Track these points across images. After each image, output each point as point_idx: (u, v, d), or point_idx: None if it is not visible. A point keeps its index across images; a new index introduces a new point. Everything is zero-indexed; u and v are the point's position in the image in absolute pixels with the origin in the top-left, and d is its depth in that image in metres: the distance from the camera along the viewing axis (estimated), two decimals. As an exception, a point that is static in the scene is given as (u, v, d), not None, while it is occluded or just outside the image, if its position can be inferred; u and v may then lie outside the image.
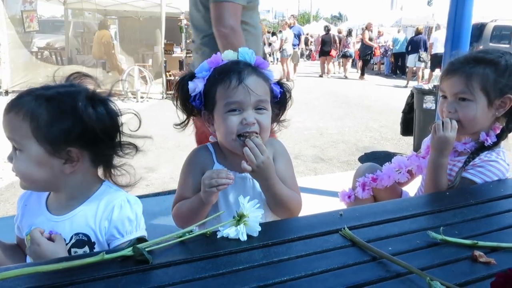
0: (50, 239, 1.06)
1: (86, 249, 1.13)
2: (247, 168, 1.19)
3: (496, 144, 1.53)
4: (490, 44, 12.25)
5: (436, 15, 14.54)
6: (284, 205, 1.29)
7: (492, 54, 1.52)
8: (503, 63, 1.48)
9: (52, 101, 1.06)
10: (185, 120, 1.38)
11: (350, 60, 15.82)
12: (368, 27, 15.09)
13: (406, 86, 11.97)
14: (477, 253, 0.92)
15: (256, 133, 1.23)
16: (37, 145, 1.05)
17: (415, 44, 12.60)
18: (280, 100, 1.38)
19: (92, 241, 1.13)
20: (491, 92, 1.47)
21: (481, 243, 0.97)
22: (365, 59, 14.80)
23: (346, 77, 14.99)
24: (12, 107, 1.06)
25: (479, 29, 12.11)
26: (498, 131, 1.56)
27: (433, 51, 11.76)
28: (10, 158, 1.09)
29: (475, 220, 1.15)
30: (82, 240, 1.12)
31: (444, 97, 1.56)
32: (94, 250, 1.13)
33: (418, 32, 12.93)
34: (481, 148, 1.53)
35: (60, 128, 1.06)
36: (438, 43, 11.82)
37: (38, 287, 0.79)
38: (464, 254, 0.94)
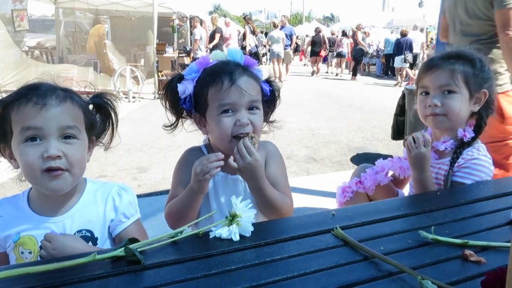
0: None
1: (90, 244, 1.14)
2: (233, 164, 1.19)
3: (474, 139, 1.57)
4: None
5: (427, 16, 14.67)
6: (273, 207, 1.28)
7: (467, 52, 1.60)
8: (478, 60, 1.56)
9: (76, 94, 1.15)
10: (174, 122, 1.38)
11: (343, 60, 16.28)
12: (358, 28, 15.23)
13: (395, 85, 12.78)
14: (467, 252, 0.93)
15: (252, 137, 1.22)
16: (85, 133, 1.14)
17: (401, 45, 13.20)
18: (269, 98, 1.38)
19: (95, 236, 1.15)
20: (472, 85, 1.53)
21: (471, 242, 0.98)
22: (358, 59, 14.92)
23: (337, 74, 15.59)
24: (62, 96, 1.08)
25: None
26: (472, 128, 1.59)
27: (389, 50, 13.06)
28: (59, 151, 1.04)
29: (465, 219, 1.16)
30: (86, 237, 1.14)
31: (426, 93, 1.58)
32: (97, 245, 1.15)
33: (403, 34, 13.53)
34: (461, 145, 1.56)
35: (92, 118, 1.17)
36: (414, 43, 13.03)
37: (29, 288, 0.79)
38: (455, 253, 0.95)
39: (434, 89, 1.55)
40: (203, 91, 1.27)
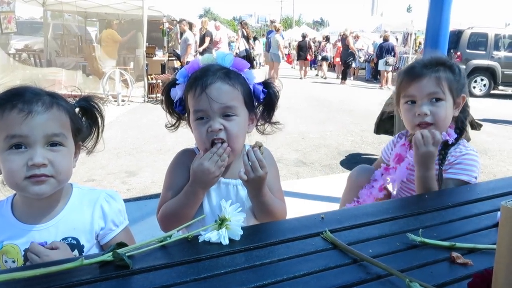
0: (50, 248, 1.03)
1: (76, 253, 1.12)
2: (243, 177, 1.18)
3: (457, 139, 1.59)
4: (467, 50, 12.58)
5: (415, 21, 14.86)
6: (269, 213, 1.28)
7: (445, 58, 1.62)
8: (455, 66, 1.59)
9: (62, 99, 1.12)
10: (175, 123, 1.39)
11: (327, 63, 17.32)
12: (350, 34, 15.52)
13: (380, 88, 13.77)
14: (454, 254, 0.94)
15: (260, 146, 1.21)
16: (72, 139, 1.12)
17: (383, 50, 14.13)
18: (266, 101, 1.36)
19: (81, 244, 1.13)
20: (454, 91, 1.55)
21: (458, 244, 0.99)
22: (347, 64, 15.15)
23: (325, 78, 16.33)
24: (48, 102, 1.06)
25: (456, 35, 12.42)
26: (453, 129, 1.61)
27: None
28: (44, 159, 1.02)
29: (453, 222, 1.18)
30: (72, 244, 1.12)
31: (413, 102, 1.57)
32: (84, 253, 1.13)
33: (385, 39, 14.43)
34: (445, 146, 1.58)
35: (78, 123, 1.15)
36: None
37: (14, 294, 0.77)
38: (442, 255, 0.96)
39: (422, 98, 1.54)
40: (186, 96, 1.30)
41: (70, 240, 1.12)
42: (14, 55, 10.42)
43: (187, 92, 1.28)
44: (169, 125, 1.40)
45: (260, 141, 1.23)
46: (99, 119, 1.22)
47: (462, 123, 1.63)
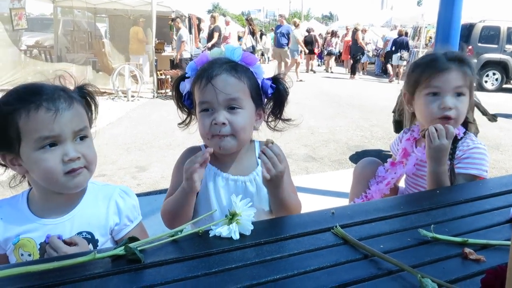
0: (69, 243, 1.04)
1: (91, 247, 1.14)
2: (266, 176, 1.16)
3: (465, 132, 1.59)
4: (479, 44, 12.39)
5: (426, 15, 14.67)
6: (288, 208, 1.28)
7: (465, 56, 1.62)
8: (472, 65, 1.58)
9: (74, 92, 1.15)
10: (185, 119, 1.39)
11: (333, 58, 17.62)
12: (360, 28, 15.43)
13: (390, 82, 14.01)
14: (467, 250, 0.93)
15: (272, 143, 1.19)
16: (89, 129, 1.15)
17: (398, 44, 14.15)
18: (275, 97, 1.35)
19: (96, 238, 1.15)
20: (472, 89, 1.56)
21: (471, 240, 0.98)
22: (356, 58, 15.08)
23: (332, 72, 16.76)
24: (68, 99, 1.08)
25: (468, 29, 12.24)
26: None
27: (388, 49, 14.62)
28: (78, 153, 1.07)
29: (465, 217, 1.17)
30: (86, 239, 1.13)
31: (435, 94, 1.54)
32: (98, 247, 1.14)
33: (400, 34, 14.46)
34: (454, 141, 1.55)
35: (88, 113, 1.19)
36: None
37: (29, 287, 0.79)
38: (455, 251, 0.95)
39: (448, 91, 1.51)
40: (193, 89, 1.29)
41: (85, 235, 1.14)
42: (25, 51, 10.52)
43: (194, 84, 1.28)
44: (181, 123, 1.40)
45: (270, 139, 1.21)
46: (93, 106, 1.21)
47: (466, 119, 1.63)
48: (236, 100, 1.23)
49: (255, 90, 1.30)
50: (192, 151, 1.39)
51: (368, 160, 1.86)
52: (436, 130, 1.43)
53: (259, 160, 1.35)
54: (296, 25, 13.52)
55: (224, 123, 1.21)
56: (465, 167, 1.52)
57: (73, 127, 1.06)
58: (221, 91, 1.21)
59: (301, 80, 12.94)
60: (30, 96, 1.04)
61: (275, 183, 1.20)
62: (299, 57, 13.68)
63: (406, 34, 15.05)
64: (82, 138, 1.10)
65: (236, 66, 1.27)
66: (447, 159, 1.47)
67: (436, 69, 1.54)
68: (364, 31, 16.30)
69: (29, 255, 1.10)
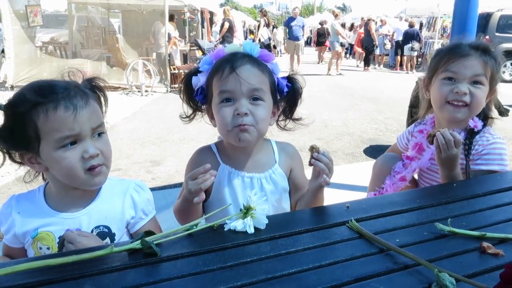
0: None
1: (108, 240, 1.15)
2: (328, 183, 1.20)
3: (483, 126, 1.56)
4: (496, 34, 12.12)
5: (441, 5, 14.39)
6: (320, 204, 1.29)
7: (491, 47, 1.56)
8: (499, 57, 1.54)
9: (86, 88, 1.15)
10: (191, 115, 1.37)
11: (343, 49, 17.44)
12: (371, 19, 15.25)
13: (407, 72, 14.11)
14: (485, 244, 0.92)
15: (318, 149, 1.21)
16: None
17: (409, 35, 14.34)
18: (288, 95, 1.34)
19: (113, 232, 1.17)
20: (493, 81, 1.52)
21: (489, 234, 0.97)
22: (370, 50, 14.93)
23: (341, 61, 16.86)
24: (84, 96, 1.09)
25: (485, 18, 11.97)
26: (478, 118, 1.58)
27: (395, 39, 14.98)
28: (96, 148, 1.08)
29: (482, 211, 1.15)
30: (103, 233, 1.16)
31: (450, 79, 1.52)
32: (115, 241, 1.16)
33: (411, 25, 14.65)
34: (470, 133, 1.54)
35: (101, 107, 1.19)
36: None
37: (49, 280, 0.80)
38: (472, 245, 0.94)
39: (464, 77, 1.49)
40: (209, 81, 1.27)
41: (102, 229, 1.16)
42: (40, 47, 10.66)
43: (213, 76, 1.25)
44: (184, 116, 1.38)
45: (315, 144, 1.23)
46: (103, 99, 1.21)
47: (486, 113, 1.60)
48: (259, 91, 1.22)
49: (273, 86, 1.29)
50: (202, 153, 1.38)
51: (389, 156, 1.83)
52: (444, 138, 1.37)
53: (276, 158, 1.35)
54: (336, 15, 13.60)
55: (246, 113, 1.20)
56: (486, 163, 1.49)
57: (91, 124, 1.08)
58: (246, 80, 1.20)
59: (340, 74, 12.90)
60: (46, 94, 1.04)
61: (323, 186, 1.23)
62: (340, 49, 13.67)
63: (421, 25, 14.96)
64: (99, 135, 1.11)
65: (257, 59, 1.27)
66: (458, 163, 1.43)
67: (456, 54, 1.52)
68: (383, 22, 16.09)
69: (48, 248, 1.13)
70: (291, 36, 12.90)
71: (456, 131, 1.52)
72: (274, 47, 19.54)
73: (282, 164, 1.36)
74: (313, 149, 1.20)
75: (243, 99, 1.20)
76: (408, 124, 4.88)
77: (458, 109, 1.51)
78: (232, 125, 1.21)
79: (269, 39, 12.37)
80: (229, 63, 1.22)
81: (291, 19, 13.08)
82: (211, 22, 15.01)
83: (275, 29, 18.66)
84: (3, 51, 9.64)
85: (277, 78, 1.31)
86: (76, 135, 1.05)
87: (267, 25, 12.82)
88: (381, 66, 16.35)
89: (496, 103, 1.74)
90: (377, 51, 16.04)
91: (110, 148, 1.15)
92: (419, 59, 15.00)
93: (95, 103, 1.13)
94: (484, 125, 1.57)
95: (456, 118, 1.54)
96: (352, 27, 17.91)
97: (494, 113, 1.68)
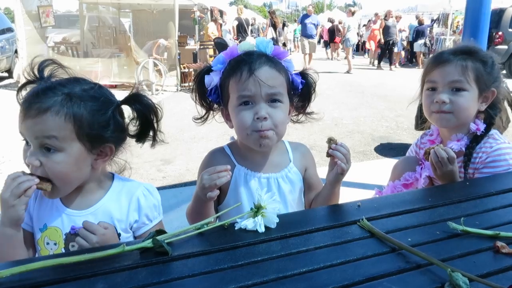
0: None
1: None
2: (344, 168, 1.20)
3: (487, 130, 1.51)
4: (510, 30, 11.93)
5: (453, 1, 14.19)
6: (335, 201, 1.29)
7: (478, 48, 1.54)
8: (489, 58, 1.50)
9: (90, 100, 1.09)
10: (204, 115, 1.36)
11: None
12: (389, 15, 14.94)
13: (419, 67, 14.13)
14: (499, 243, 0.90)
15: (335, 140, 1.21)
16: (79, 144, 1.07)
17: (420, 32, 14.95)
18: (302, 91, 1.33)
19: (118, 232, 1.17)
20: (482, 84, 1.47)
21: (503, 233, 0.95)
22: (389, 48, 14.56)
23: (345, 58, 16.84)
24: (45, 107, 1.02)
25: (498, 14, 11.79)
26: (481, 121, 1.53)
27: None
28: (35, 160, 1.03)
29: (496, 210, 1.13)
30: None
31: (433, 89, 1.51)
32: (120, 240, 1.16)
33: (420, 22, 15.32)
34: (474, 139, 1.50)
35: (99, 126, 1.09)
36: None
37: (62, 278, 0.81)
38: (486, 245, 0.93)
39: (443, 85, 1.47)
40: (225, 82, 1.25)
41: None
42: (53, 48, 10.79)
43: (229, 77, 1.23)
44: (198, 118, 1.37)
45: (333, 137, 1.24)
46: (148, 114, 1.25)
47: (491, 120, 1.54)
48: (278, 94, 1.22)
49: (289, 84, 1.28)
50: (215, 154, 1.37)
51: (411, 159, 1.79)
52: (438, 157, 1.37)
53: (291, 157, 1.35)
54: (352, 13, 13.69)
55: (265, 118, 1.19)
56: (493, 170, 1.45)
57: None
58: (265, 83, 1.18)
59: (347, 72, 12.88)
60: (30, 97, 1.06)
61: (341, 178, 1.23)
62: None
63: (432, 20, 14.92)
64: (48, 149, 1.04)
65: (273, 58, 1.25)
66: (457, 176, 1.42)
67: (436, 62, 1.51)
68: (398, 18, 15.81)
69: (55, 244, 1.14)
70: (304, 34, 12.80)
71: (459, 137, 1.51)
72: (284, 45, 19.52)
73: (296, 163, 1.35)
74: (330, 140, 1.21)
75: (262, 102, 1.20)
76: (417, 122, 4.84)
77: (441, 116, 1.49)
78: (252, 129, 1.20)
79: (273, 39, 12.35)
80: (246, 65, 1.20)
81: (306, 16, 13.02)
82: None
83: (285, 27, 18.62)
84: (16, 51, 9.78)
85: (291, 75, 1.30)
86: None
87: (274, 25, 12.76)
88: (397, 65, 15.96)
89: (510, 99, 1.71)
90: (395, 49, 15.50)
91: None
92: (429, 56, 14.96)
93: (58, 118, 1.05)
94: (489, 127, 1.52)
95: (445, 127, 1.54)
96: (367, 25, 17.86)
97: (507, 110, 1.64)
